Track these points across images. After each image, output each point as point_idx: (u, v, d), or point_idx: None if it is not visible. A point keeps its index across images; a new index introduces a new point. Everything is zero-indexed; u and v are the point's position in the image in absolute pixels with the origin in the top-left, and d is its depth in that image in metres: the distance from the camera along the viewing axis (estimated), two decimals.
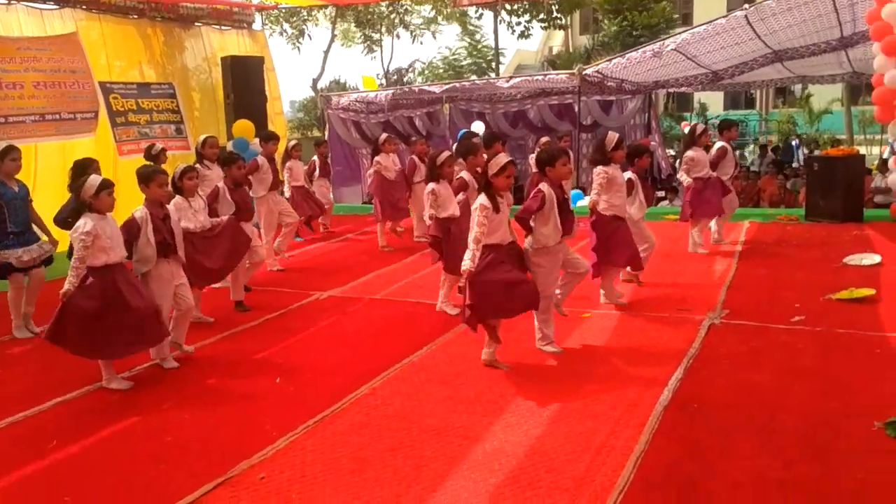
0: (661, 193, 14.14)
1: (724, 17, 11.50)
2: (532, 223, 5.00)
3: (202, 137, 7.56)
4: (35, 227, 6.25)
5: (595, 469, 3.52)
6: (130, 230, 5.00)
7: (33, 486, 3.63)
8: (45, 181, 9.77)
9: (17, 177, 6.21)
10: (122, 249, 4.83)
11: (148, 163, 8.17)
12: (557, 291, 5.37)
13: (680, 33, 12.26)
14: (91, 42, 10.76)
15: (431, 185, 6.24)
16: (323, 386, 4.78)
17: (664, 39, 12.45)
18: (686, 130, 8.86)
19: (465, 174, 6.67)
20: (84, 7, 10.74)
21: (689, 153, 8.14)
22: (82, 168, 6.23)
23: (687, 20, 30.21)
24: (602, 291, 6.32)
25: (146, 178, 5.16)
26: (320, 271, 8.33)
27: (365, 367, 5.04)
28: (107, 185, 4.76)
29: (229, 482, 3.54)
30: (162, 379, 5.05)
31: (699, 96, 30.30)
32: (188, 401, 4.65)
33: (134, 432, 4.22)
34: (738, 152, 12.78)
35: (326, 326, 6.20)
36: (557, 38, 37.22)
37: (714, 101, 32.10)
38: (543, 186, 5.02)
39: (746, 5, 11.01)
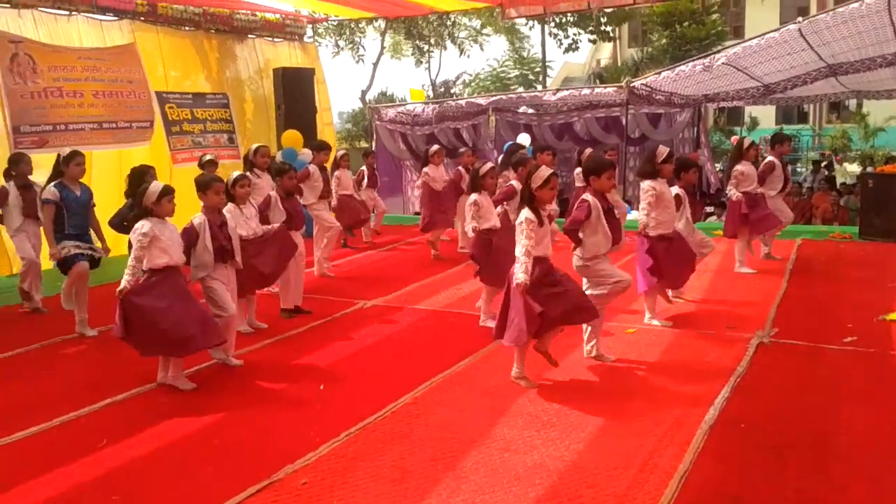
0: (709, 209, 13.93)
1: (776, 30, 11.29)
2: (580, 234, 4.99)
3: (254, 146, 7.72)
4: (92, 233, 6.45)
5: (637, 487, 3.48)
6: (189, 236, 5.14)
7: (83, 485, 3.72)
8: (100, 187, 10.01)
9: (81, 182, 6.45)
10: (180, 254, 4.96)
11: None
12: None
13: (731, 46, 12.09)
14: (148, 53, 11.08)
15: (474, 196, 6.27)
16: (365, 394, 4.82)
17: (715, 53, 12.29)
18: (735, 144, 8.73)
19: (514, 182, 6.71)
20: (142, 19, 11.06)
21: (739, 167, 8.01)
22: (139, 174, 6.43)
23: (738, 33, 29.77)
24: (646, 307, 6.24)
25: (204, 185, 5.31)
26: (365, 280, 8.40)
27: (407, 376, 5.07)
28: (168, 192, 4.92)
29: (273, 486, 3.59)
30: (211, 383, 5.15)
31: (750, 110, 29.81)
32: (235, 405, 4.74)
33: (182, 434, 4.31)
34: (789, 168, 12.50)
35: (370, 335, 6.25)
36: (605, 50, 37.02)
37: (766, 116, 31.50)
38: (587, 196, 5.02)
39: (800, 18, 10.81)
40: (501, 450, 3.93)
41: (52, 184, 6.24)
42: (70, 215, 6.22)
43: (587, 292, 5.17)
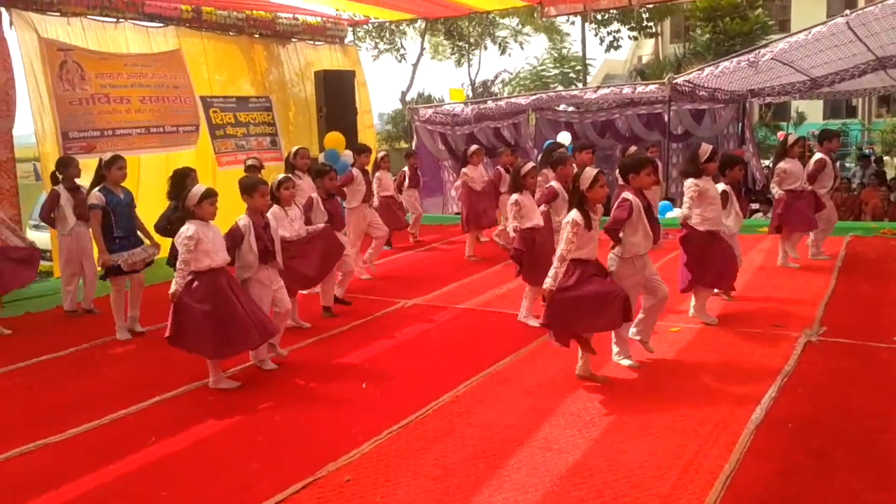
0: (755, 206, 13.67)
1: (823, 23, 11.03)
2: (620, 233, 4.95)
3: (294, 148, 7.82)
4: (139, 233, 6.60)
5: (682, 487, 3.44)
6: (235, 238, 5.23)
7: (132, 481, 3.82)
8: (147, 191, 10.28)
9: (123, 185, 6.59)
10: (224, 254, 5.05)
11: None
12: (636, 330, 5.20)
13: (777, 40, 11.84)
14: (193, 58, 11.29)
15: (515, 196, 6.25)
16: (407, 392, 4.85)
17: (760, 48, 12.05)
18: (780, 140, 8.57)
19: (554, 184, 6.66)
20: (187, 25, 11.27)
21: (782, 164, 7.87)
22: (181, 177, 6.56)
23: (784, 27, 29.14)
24: (692, 305, 6.16)
25: (250, 188, 5.39)
26: (406, 280, 8.45)
27: (448, 375, 5.09)
28: (209, 195, 5.00)
29: (316, 483, 3.64)
30: (256, 381, 5.24)
31: (797, 105, 29.14)
32: (280, 403, 4.81)
33: (228, 432, 4.40)
34: (838, 163, 12.22)
35: (411, 334, 6.28)
36: (647, 46, 36.59)
37: (813, 110, 30.79)
38: (628, 195, 4.96)
39: (847, 11, 10.53)
40: (543, 449, 3.92)
41: (97, 189, 6.38)
42: (116, 218, 6.35)
43: (634, 331, 5.19)
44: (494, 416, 4.38)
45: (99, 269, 6.63)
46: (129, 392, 5.00)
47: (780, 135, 9.87)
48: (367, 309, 7.03)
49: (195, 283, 4.91)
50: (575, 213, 4.63)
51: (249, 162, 9.08)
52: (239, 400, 4.86)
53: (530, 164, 6.41)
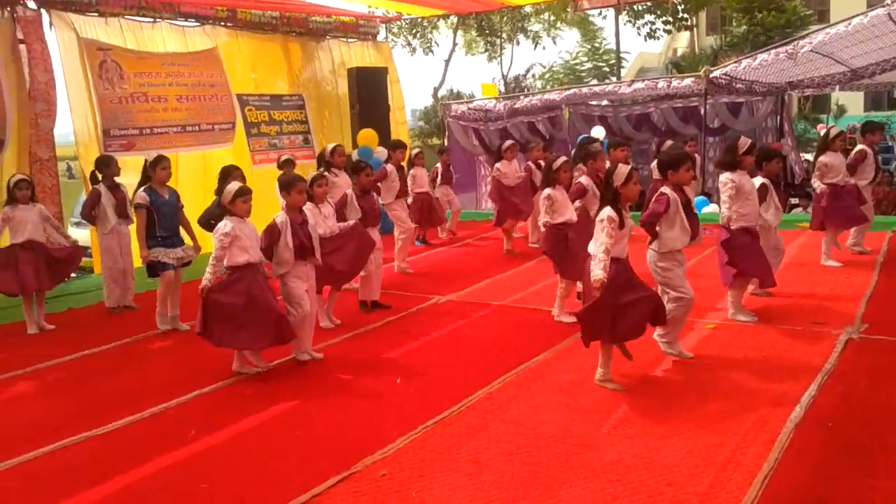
0: (794, 200, 13.44)
1: (863, 13, 10.78)
2: (657, 228, 4.90)
3: (331, 146, 7.88)
4: (183, 233, 6.69)
5: (719, 486, 3.41)
6: (272, 235, 5.30)
7: (173, 474, 3.89)
8: (185, 188, 10.40)
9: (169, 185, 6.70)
10: (258, 251, 5.14)
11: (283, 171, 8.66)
12: (661, 333, 5.13)
13: (815, 31, 11.61)
14: (229, 56, 11.44)
15: (547, 191, 6.22)
16: (441, 388, 4.87)
17: (798, 39, 11.82)
18: (822, 133, 8.41)
19: (584, 179, 6.61)
20: (223, 24, 11.41)
21: (823, 158, 7.72)
22: (225, 174, 6.67)
23: (823, 17, 28.54)
24: (730, 301, 6.07)
25: (287, 185, 5.46)
26: (440, 276, 8.47)
27: (482, 371, 5.09)
28: (243, 193, 5.11)
29: (352, 477, 3.68)
30: (292, 375, 5.30)
31: (837, 97, 28.51)
32: (316, 397, 4.87)
33: (265, 426, 4.46)
34: (881, 157, 11.90)
35: (445, 330, 6.30)
36: (682, 39, 36.10)
37: (854, 103, 30.10)
38: (666, 189, 4.92)
39: (888, 1, 10.28)
40: (578, 445, 3.91)
41: (142, 188, 6.49)
42: (160, 218, 6.46)
43: (661, 336, 5.12)
44: (528, 413, 4.38)
45: (140, 264, 6.76)
46: (168, 386, 5.09)
47: (821, 128, 9.67)
48: (401, 305, 7.06)
49: (234, 277, 5.01)
50: (609, 211, 4.57)
51: (285, 157, 9.16)
52: (276, 395, 4.92)
53: (562, 159, 6.36)
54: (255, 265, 5.11)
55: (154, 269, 6.51)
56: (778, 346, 5.35)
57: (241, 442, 4.25)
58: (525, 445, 3.94)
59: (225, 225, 4.99)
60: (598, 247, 4.53)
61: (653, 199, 4.98)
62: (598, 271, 4.45)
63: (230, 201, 5.08)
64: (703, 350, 5.32)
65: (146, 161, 6.63)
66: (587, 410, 4.37)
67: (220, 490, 3.67)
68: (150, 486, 3.75)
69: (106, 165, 7.27)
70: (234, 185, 5.17)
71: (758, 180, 6.12)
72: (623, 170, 4.63)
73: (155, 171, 6.50)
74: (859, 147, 7.98)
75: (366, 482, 3.63)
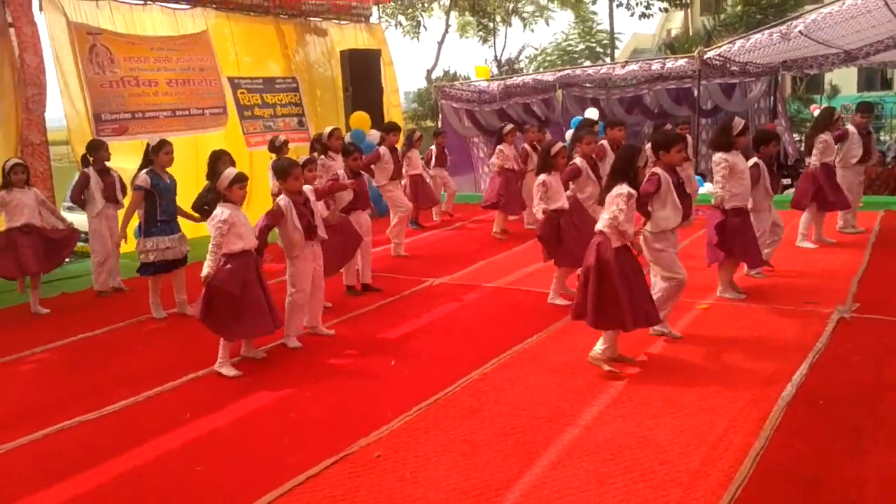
0: (786, 181, 13.46)
1: None
2: (650, 208, 4.92)
3: (328, 129, 7.86)
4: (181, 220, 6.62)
5: (711, 464, 3.44)
6: (276, 217, 5.31)
7: (168, 456, 3.90)
8: (178, 173, 10.34)
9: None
10: (252, 238, 5.09)
11: (272, 155, 8.60)
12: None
13: (809, 11, 11.55)
14: (220, 39, 11.33)
15: (543, 177, 6.19)
16: (435, 370, 4.89)
17: (792, 19, 11.78)
18: (815, 113, 8.41)
19: (578, 160, 6.60)
20: (214, 6, 11.31)
21: (824, 136, 7.72)
22: (214, 158, 6.58)
23: None
24: (720, 279, 6.10)
25: (283, 172, 5.44)
26: (433, 258, 8.47)
27: (476, 353, 5.12)
28: (239, 180, 5.05)
29: (347, 459, 3.70)
30: (287, 359, 5.31)
31: (831, 77, 28.48)
32: (311, 380, 4.88)
33: (261, 409, 4.48)
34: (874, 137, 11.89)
35: (439, 312, 6.32)
36: (676, 20, 35.93)
37: (847, 82, 30.05)
38: (657, 169, 4.95)
39: None
40: (571, 426, 3.93)
41: (144, 171, 6.40)
42: (162, 202, 6.37)
43: (656, 287, 5.10)
44: (523, 394, 4.41)
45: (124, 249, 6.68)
46: (163, 370, 5.10)
47: (814, 108, 9.63)
48: (395, 287, 7.07)
49: (227, 265, 4.97)
50: (626, 187, 4.52)
51: (281, 139, 8.99)
52: (270, 377, 4.93)
53: (560, 144, 6.32)
54: (249, 252, 5.09)
55: (146, 269, 6.43)
56: (770, 325, 5.39)
57: (237, 425, 4.27)
58: (519, 426, 3.97)
59: (222, 212, 4.94)
60: (609, 221, 4.48)
61: (644, 180, 4.98)
62: (629, 230, 4.53)
63: (227, 187, 5.01)
64: (695, 330, 5.35)
65: (148, 144, 6.57)
66: (580, 391, 4.40)
67: (214, 473, 3.68)
68: (144, 470, 3.76)
69: (95, 150, 7.28)
70: (231, 171, 5.11)
71: (751, 161, 6.13)
72: (646, 154, 4.70)
73: (158, 156, 6.40)
74: (844, 127, 8.06)
75: (360, 463, 3.65)
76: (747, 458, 3.44)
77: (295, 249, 5.44)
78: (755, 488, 3.21)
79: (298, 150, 10.38)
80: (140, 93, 10.05)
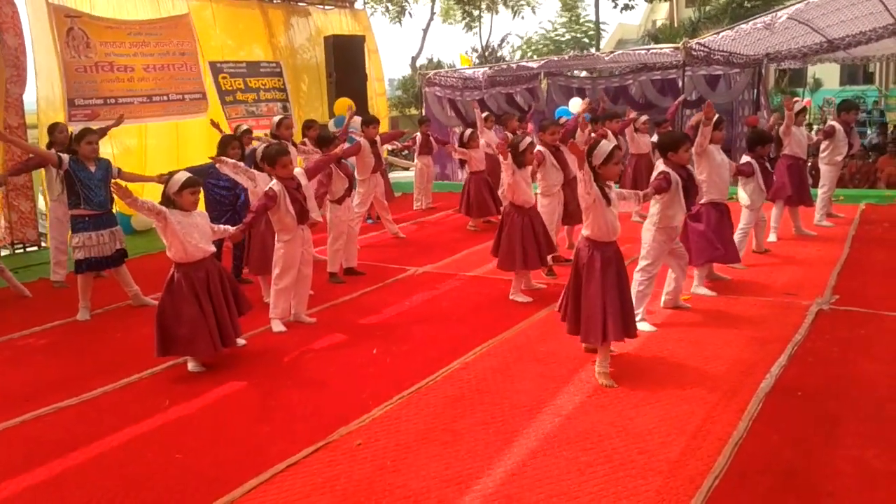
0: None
1: None
2: (658, 204, 5.12)
3: (277, 118, 8.00)
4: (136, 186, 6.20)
5: (690, 453, 3.46)
6: (272, 199, 5.29)
7: (147, 444, 3.87)
8: (155, 157, 10.30)
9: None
10: (208, 245, 4.82)
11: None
12: (667, 299, 5.59)
13: (794, 4, 11.61)
14: (202, 22, 11.18)
15: (511, 173, 6.06)
16: (417, 359, 4.88)
17: (777, 10, 11.83)
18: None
19: (541, 148, 6.63)
20: None
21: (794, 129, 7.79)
22: (224, 144, 6.45)
23: None
24: (696, 274, 6.07)
25: (271, 160, 5.40)
26: (415, 247, 8.45)
27: (458, 342, 5.12)
28: (190, 184, 4.69)
29: (328, 447, 3.69)
30: (268, 347, 5.28)
31: (813, 70, 28.64)
32: (291, 368, 4.86)
33: (241, 397, 4.45)
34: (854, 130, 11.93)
35: (420, 301, 6.31)
36: (661, 10, 35.98)
37: (829, 76, 30.25)
38: (667, 168, 5.10)
39: None
40: (552, 415, 3.94)
41: (69, 157, 6.08)
42: (86, 194, 5.99)
43: (673, 276, 5.50)
44: (504, 383, 4.41)
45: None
46: (142, 357, 5.04)
47: (795, 100, 9.56)
48: (377, 276, 7.05)
49: (177, 278, 4.70)
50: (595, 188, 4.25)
51: (244, 127, 8.58)
52: (250, 365, 4.91)
53: (528, 140, 6.13)
54: (199, 264, 4.74)
55: (77, 266, 6.09)
56: (750, 316, 5.42)
57: (216, 413, 4.24)
58: (500, 414, 3.97)
59: (169, 212, 4.59)
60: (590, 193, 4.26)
61: (655, 177, 5.11)
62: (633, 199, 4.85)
63: (176, 192, 4.63)
64: (675, 321, 5.37)
65: (71, 133, 6.43)
66: (562, 380, 4.41)
67: (194, 460, 3.66)
68: (123, 456, 3.73)
69: (51, 133, 7.25)
70: (182, 175, 4.71)
71: (744, 158, 6.27)
72: (605, 148, 4.33)
73: (80, 146, 6.05)
74: (830, 123, 8.09)
75: (341, 451, 3.64)
76: (726, 448, 3.47)
77: (286, 234, 5.44)
78: (733, 478, 3.23)
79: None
80: (114, 78, 9.88)
